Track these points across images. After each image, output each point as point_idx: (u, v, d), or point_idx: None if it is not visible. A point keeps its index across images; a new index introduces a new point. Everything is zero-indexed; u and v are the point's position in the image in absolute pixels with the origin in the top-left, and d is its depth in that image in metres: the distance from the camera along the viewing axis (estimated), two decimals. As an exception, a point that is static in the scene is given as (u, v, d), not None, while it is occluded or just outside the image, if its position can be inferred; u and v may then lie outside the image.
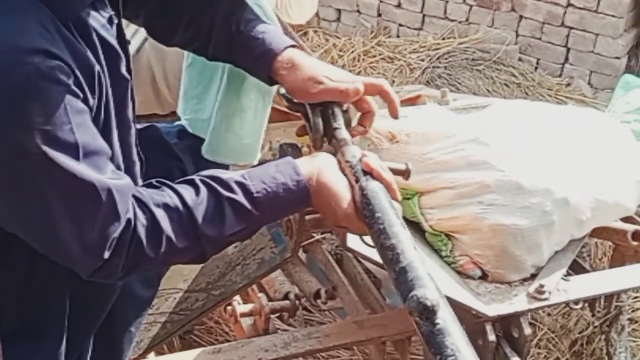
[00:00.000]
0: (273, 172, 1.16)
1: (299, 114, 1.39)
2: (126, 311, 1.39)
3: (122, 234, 1.08)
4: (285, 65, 1.32)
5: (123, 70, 1.17)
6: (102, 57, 1.10)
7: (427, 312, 0.95)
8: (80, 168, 1.02)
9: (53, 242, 1.07)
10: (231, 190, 1.13)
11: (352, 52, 4.36)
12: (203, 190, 1.13)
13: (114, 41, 1.15)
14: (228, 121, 1.57)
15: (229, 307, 1.92)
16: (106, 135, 1.12)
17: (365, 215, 1.13)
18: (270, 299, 1.99)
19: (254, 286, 1.95)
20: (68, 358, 1.25)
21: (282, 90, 1.38)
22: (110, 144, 1.13)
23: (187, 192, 1.12)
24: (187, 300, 1.72)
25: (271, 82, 1.37)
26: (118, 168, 1.16)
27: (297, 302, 2.02)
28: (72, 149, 1.02)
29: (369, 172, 1.19)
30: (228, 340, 2.24)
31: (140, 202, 1.11)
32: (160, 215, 1.10)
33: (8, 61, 0.96)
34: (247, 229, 1.17)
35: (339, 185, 1.18)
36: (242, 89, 1.56)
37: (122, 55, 1.17)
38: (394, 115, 1.40)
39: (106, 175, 1.07)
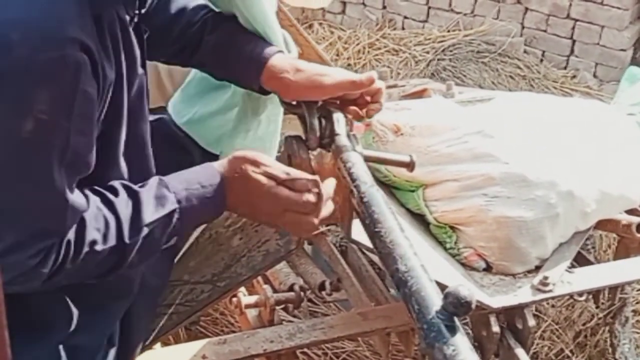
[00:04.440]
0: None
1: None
2: (139, 302, 1.39)
3: (56, 247, 1.04)
4: (288, 68, 1.32)
5: (139, 66, 1.16)
6: (122, 53, 1.09)
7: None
8: (55, 172, 0.99)
9: None
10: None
11: (357, 44, 4.36)
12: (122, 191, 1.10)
13: (133, 38, 1.14)
14: (246, 131, 1.54)
15: (234, 299, 1.92)
16: (114, 132, 1.10)
17: (366, 223, 1.14)
18: (275, 291, 1.99)
19: (259, 278, 1.96)
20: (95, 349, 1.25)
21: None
22: (117, 143, 1.11)
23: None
24: (193, 291, 1.72)
25: (260, 89, 1.37)
26: (129, 165, 1.15)
27: (302, 293, 2.02)
28: (59, 151, 0.99)
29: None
30: (233, 331, 2.25)
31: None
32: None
33: (41, 41, 0.92)
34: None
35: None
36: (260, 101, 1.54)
37: (139, 52, 1.16)
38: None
39: (72, 190, 1.03)
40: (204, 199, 1.13)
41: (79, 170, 1.04)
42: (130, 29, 1.13)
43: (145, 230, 1.08)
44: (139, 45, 1.17)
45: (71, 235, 1.04)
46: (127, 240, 1.07)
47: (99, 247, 1.05)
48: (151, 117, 1.33)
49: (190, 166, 1.35)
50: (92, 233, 1.05)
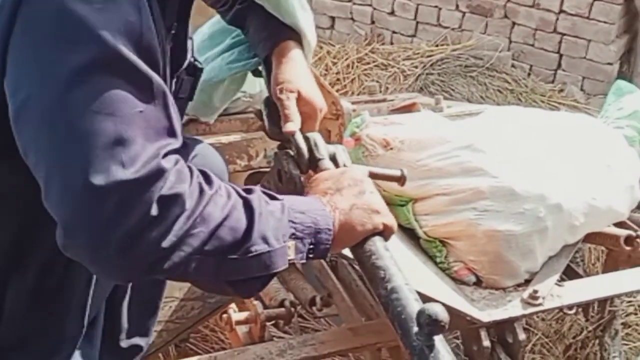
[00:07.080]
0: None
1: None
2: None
3: (179, 160, 0.99)
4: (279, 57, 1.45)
5: (167, 73, 1.17)
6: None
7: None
8: (140, 62, 0.96)
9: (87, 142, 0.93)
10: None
11: (346, 59, 4.37)
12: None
13: (166, 45, 1.16)
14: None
15: (224, 315, 1.91)
16: None
17: (352, 246, 1.14)
18: (265, 307, 1.98)
19: (250, 294, 1.95)
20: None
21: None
22: None
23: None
24: (183, 308, 1.72)
25: (267, 64, 1.49)
26: None
27: (292, 309, 2.02)
28: (142, 49, 0.97)
29: None
30: (224, 348, 2.24)
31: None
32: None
33: None
34: None
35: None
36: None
37: (168, 59, 1.18)
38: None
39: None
40: (305, 199, 1.14)
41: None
42: (165, 38, 1.14)
43: (259, 193, 1.06)
44: (171, 54, 1.21)
45: (200, 177, 1.01)
46: (244, 194, 1.05)
47: (222, 193, 1.02)
48: None
49: None
50: (216, 182, 1.03)
